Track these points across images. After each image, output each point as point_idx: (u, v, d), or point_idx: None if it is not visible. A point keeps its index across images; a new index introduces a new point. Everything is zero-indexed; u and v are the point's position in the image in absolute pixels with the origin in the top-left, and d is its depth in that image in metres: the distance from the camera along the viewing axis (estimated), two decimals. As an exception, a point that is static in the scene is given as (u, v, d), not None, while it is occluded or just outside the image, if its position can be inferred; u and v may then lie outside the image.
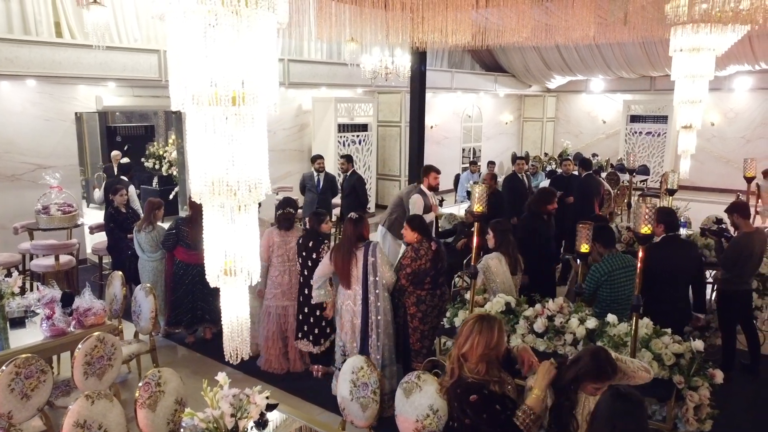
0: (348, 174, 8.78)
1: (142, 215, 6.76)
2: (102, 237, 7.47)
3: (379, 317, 4.56)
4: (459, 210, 8.74)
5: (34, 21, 7.70)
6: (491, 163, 12.01)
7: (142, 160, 11.02)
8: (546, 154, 16.73)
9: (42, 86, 8.14)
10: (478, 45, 7.76)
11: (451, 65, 14.89)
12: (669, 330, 3.74)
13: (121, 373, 5.03)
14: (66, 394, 4.07)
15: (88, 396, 3.06)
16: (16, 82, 7.83)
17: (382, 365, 4.56)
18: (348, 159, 8.92)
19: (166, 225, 6.16)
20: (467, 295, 4.42)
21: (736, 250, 5.13)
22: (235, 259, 2.38)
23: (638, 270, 3.43)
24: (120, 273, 5.27)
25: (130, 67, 8.12)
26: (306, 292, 5.12)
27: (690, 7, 5.78)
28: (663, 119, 14.97)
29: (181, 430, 2.66)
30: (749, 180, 6.75)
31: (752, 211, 8.44)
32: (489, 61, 16.00)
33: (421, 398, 3.23)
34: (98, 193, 9.14)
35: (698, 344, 3.55)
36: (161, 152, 11.03)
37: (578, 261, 4.43)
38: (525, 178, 8.73)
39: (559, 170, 10.26)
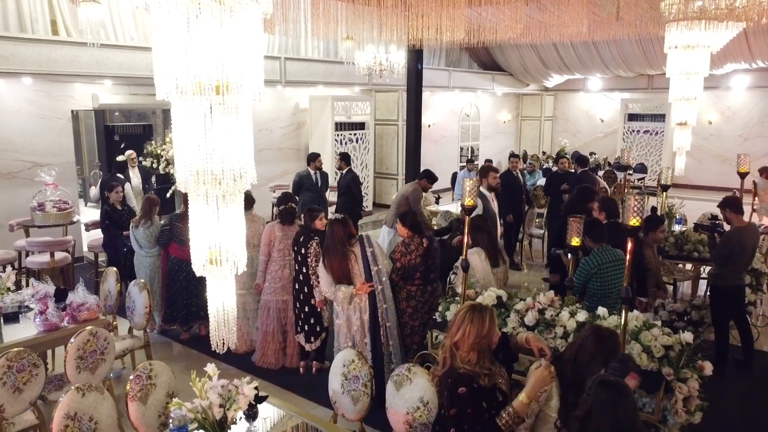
0: (344, 172, 8.78)
1: (137, 213, 6.77)
2: (98, 234, 7.49)
3: (386, 306, 4.59)
4: (456, 208, 8.75)
5: (30, 18, 7.72)
6: (488, 161, 12.04)
7: (140, 158, 11.02)
8: (544, 153, 16.75)
9: (38, 84, 8.15)
10: (472, 42, 7.77)
11: (448, 64, 14.89)
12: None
13: (115, 368, 5.06)
14: (59, 388, 4.09)
15: (78, 388, 3.07)
16: (12, 80, 7.84)
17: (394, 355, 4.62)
18: (345, 158, 8.91)
19: (162, 221, 6.18)
20: (459, 289, 4.44)
21: (728, 246, 5.14)
22: (221, 248, 2.39)
23: (627, 263, 3.44)
24: (114, 269, 5.28)
25: (126, 65, 8.15)
26: (296, 286, 5.16)
27: (685, 3, 5.79)
28: (660, 117, 14.94)
29: (170, 420, 2.67)
30: (742, 176, 6.75)
31: (749, 209, 8.46)
32: (486, 60, 16.00)
33: (411, 391, 3.24)
34: (94, 191, 9.15)
35: (687, 336, 3.56)
36: (159, 151, 11.03)
37: (569, 255, 4.44)
38: (519, 175, 8.77)
39: (555, 168, 10.29)
